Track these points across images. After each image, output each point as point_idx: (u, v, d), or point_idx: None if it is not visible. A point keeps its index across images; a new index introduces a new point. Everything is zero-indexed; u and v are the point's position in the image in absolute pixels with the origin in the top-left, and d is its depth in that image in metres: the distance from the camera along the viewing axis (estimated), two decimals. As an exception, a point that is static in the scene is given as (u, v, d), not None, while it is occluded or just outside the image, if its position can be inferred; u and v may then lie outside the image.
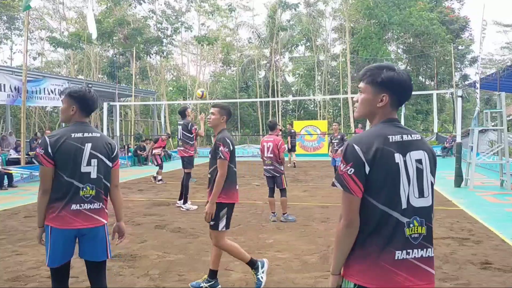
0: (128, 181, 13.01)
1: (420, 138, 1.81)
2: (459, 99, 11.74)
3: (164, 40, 29.81)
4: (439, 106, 29.71)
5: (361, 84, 1.87)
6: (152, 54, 29.95)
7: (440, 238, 5.69)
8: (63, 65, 37.48)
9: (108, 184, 2.87)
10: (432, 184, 1.80)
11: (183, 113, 8.38)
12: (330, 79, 34.92)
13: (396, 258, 1.69)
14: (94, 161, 2.78)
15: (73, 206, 2.73)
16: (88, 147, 2.80)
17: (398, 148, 1.74)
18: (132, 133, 25.48)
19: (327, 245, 5.37)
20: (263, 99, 25.52)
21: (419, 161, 1.77)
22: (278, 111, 31.59)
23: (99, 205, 2.79)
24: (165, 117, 27.64)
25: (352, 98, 28.35)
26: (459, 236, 5.81)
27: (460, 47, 32.48)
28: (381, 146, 1.72)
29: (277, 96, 31.17)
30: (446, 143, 22.08)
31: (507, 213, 7.44)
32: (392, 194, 1.71)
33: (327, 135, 22.50)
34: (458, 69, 34.11)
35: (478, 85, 12.16)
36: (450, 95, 31.60)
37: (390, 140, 1.74)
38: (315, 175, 13.92)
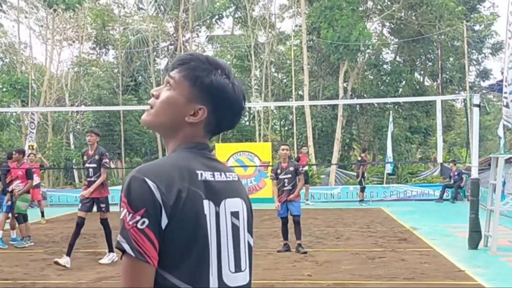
0: None
1: (237, 178, 1.97)
2: (476, 110, 12.23)
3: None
4: (445, 121, 31.24)
5: (174, 73, 1.94)
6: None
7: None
8: None
9: None
10: (250, 249, 1.95)
11: None
12: (276, 75, 35.62)
13: None
14: None
15: None
16: None
17: (208, 192, 1.82)
18: None
19: None
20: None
21: (235, 214, 1.90)
22: (190, 127, 31.48)
23: None
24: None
25: (310, 106, 29.07)
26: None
27: (477, 27, 34.52)
28: (187, 185, 1.77)
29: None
30: (451, 177, 23.50)
31: (547, 288, 8.09)
32: (198, 266, 1.78)
33: (271, 166, 22.84)
34: (474, 62, 36.31)
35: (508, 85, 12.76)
36: (462, 103, 33.49)
37: (199, 178, 1.82)
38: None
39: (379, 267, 9.70)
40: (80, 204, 10.60)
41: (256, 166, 23.88)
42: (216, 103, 1.90)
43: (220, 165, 1.93)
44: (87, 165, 10.50)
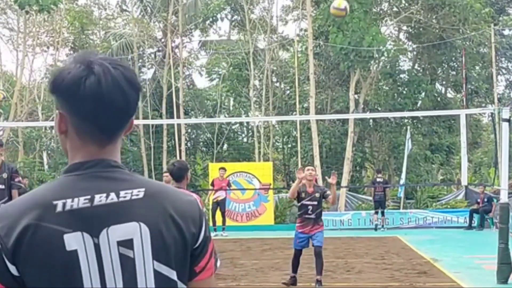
0: None
1: (141, 195, 1.84)
2: (505, 125, 12.22)
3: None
4: (471, 138, 31.05)
5: None
6: None
7: None
8: None
9: None
10: (162, 281, 1.83)
11: None
12: (278, 85, 35.54)
13: None
14: None
15: None
16: None
17: (77, 223, 1.75)
18: None
19: None
20: (150, 121, 25.09)
21: (125, 243, 1.79)
22: (180, 144, 31.54)
23: None
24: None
25: (317, 120, 29.03)
26: None
27: (506, 31, 34.30)
28: (34, 222, 1.72)
29: (178, 116, 31.15)
30: (479, 203, 23.53)
31: None
32: None
33: (271, 189, 22.71)
34: (503, 71, 36.23)
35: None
36: (490, 118, 33.39)
37: (57, 209, 1.75)
38: (250, 267, 13.98)
39: (395, 305, 9.47)
40: None
41: (255, 189, 23.69)
42: (64, 100, 1.83)
43: (109, 184, 1.82)
44: None
